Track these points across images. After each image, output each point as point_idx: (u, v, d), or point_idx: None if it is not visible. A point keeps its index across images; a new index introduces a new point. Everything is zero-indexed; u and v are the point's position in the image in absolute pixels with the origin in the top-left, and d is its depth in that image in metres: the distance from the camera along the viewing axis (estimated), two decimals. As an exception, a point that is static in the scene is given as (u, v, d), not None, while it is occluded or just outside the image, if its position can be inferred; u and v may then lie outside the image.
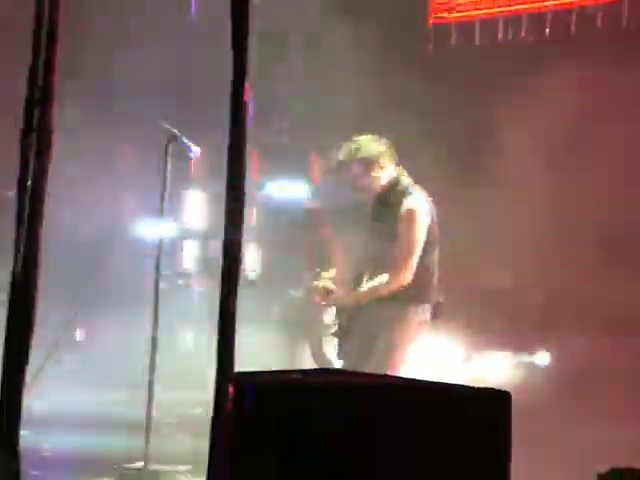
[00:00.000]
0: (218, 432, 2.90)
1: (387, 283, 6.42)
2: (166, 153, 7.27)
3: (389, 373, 6.11)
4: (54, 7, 3.31)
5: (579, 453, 6.75)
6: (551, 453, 6.97)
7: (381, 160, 6.57)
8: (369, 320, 6.49)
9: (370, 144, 6.61)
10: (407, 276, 6.41)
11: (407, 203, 6.46)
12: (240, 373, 2.94)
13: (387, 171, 6.61)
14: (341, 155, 6.65)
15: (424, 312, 6.56)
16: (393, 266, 6.43)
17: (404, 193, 6.53)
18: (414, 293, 6.47)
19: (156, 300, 7.11)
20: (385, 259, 6.48)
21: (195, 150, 7.36)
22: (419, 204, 6.50)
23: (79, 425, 8.51)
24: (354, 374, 4.05)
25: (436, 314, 6.62)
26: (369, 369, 6.06)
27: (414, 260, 6.43)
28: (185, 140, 7.29)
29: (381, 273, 6.46)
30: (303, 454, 2.88)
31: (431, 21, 13.24)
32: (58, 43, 3.32)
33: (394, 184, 6.61)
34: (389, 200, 6.59)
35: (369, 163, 6.57)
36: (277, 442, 2.91)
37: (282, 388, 3.07)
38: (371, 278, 6.51)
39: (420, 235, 6.46)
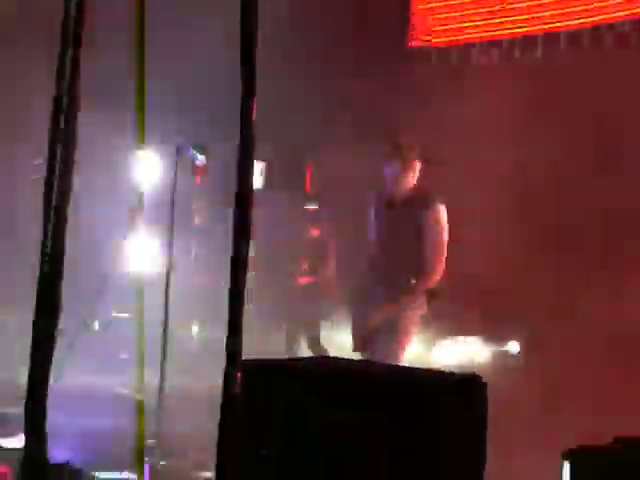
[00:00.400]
0: (227, 414, 3.08)
1: (421, 284, 6.80)
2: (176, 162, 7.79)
3: (400, 355, 6.68)
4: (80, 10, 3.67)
5: (548, 436, 6.95)
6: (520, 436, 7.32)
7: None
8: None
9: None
10: (438, 277, 6.77)
11: (434, 206, 6.79)
12: (247, 360, 3.15)
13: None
14: (411, 153, 6.92)
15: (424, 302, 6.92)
16: (426, 267, 6.76)
17: (428, 198, 6.85)
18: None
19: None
20: (410, 258, 6.78)
21: (201, 158, 7.84)
22: (444, 208, 6.84)
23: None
24: (352, 361, 4.40)
25: (430, 302, 6.93)
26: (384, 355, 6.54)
27: (443, 261, 6.78)
28: (192, 149, 7.80)
29: (407, 272, 6.78)
30: (304, 437, 3.23)
31: (411, 43, 13.92)
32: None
33: (418, 188, 6.94)
34: (414, 202, 6.87)
35: (417, 166, 6.92)
36: (282, 425, 3.27)
37: (287, 374, 3.40)
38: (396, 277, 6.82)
39: (446, 237, 6.79)
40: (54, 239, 3.47)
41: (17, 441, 5.78)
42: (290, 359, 4.19)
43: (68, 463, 3.70)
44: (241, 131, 3.06)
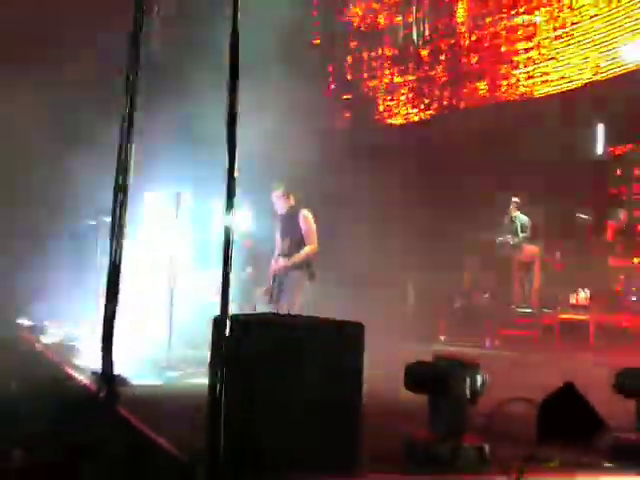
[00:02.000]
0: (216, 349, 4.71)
1: (310, 251, 10.24)
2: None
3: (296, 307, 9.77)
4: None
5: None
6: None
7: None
8: (290, 279, 10.18)
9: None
10: (315, 247, 10.30)
11: (302, 212, 10.34)
12: (235, 314, 4.83)
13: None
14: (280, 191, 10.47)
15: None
16: (307, 241, 10.24)
17: (297, 208, 10.36)
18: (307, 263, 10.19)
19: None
20: (301, 241, 10.21)
21: None
22: (308, 212, 10.45)
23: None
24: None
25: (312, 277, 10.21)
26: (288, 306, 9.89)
27: (315, 239, 10.38)
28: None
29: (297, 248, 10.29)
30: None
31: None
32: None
33: (292, 203, 10.46)
34: (291, 212, 10.34)
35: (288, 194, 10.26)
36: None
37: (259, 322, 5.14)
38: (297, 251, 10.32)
39: (314, 226, 10.47)
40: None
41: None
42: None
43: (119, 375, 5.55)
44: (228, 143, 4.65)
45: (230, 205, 4.72)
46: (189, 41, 16.63)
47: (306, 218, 10.40)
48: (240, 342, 4.87)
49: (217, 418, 4.58)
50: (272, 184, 10.65)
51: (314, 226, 10.41)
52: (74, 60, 14.34)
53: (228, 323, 4.71)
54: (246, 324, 5.05)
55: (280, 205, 10.57)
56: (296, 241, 10.34)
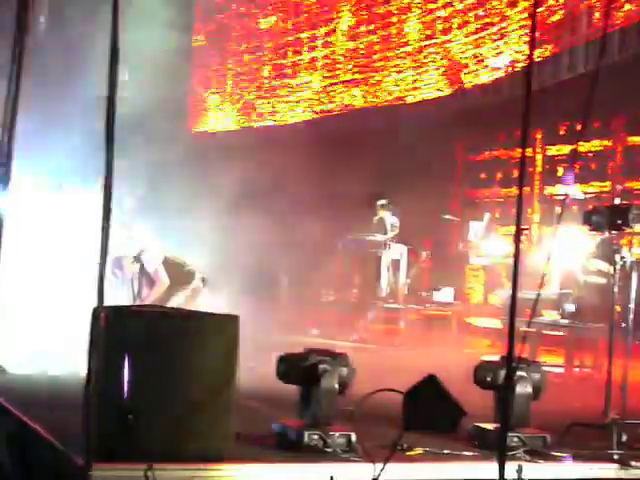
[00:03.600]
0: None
1: None
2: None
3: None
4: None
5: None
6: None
7: None
8: None
9: None
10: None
11: None
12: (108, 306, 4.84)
13: None
14: None
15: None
16: None
17: None
18: None
19: None
20: None
21: None
22: None
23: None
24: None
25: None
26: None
27: None
28: None
29: None
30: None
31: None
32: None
33: None
34: None
35: None
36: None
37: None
38: None
39: None
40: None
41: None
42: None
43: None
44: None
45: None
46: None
47: None
48: (115, 332, 4.91)
49: (91, 405, 4.59)
50: None
51: None
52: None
53: (104, 314, 4.70)
54: (120, 314, 5.13)
55: None
56: None
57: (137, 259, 10.26)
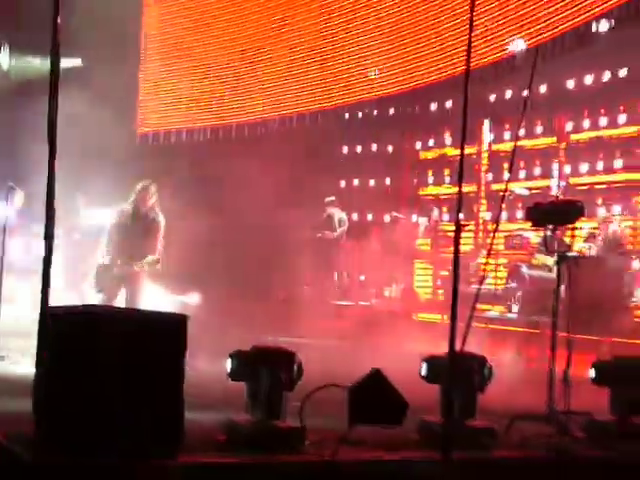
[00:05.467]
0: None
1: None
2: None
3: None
4: None
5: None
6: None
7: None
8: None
9: None
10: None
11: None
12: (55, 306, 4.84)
13: None
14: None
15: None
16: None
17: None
18: None
19: None
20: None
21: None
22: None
23: None
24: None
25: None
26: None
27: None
28: None
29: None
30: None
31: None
32: None
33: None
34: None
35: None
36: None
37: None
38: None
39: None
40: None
41: None
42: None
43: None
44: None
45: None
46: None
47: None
48: (61, 333, 4.91)
49: (39, 403, 4.62)
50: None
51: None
52: None
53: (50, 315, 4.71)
54: (65, 317, 5.08)
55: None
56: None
57: None
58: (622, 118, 15.08)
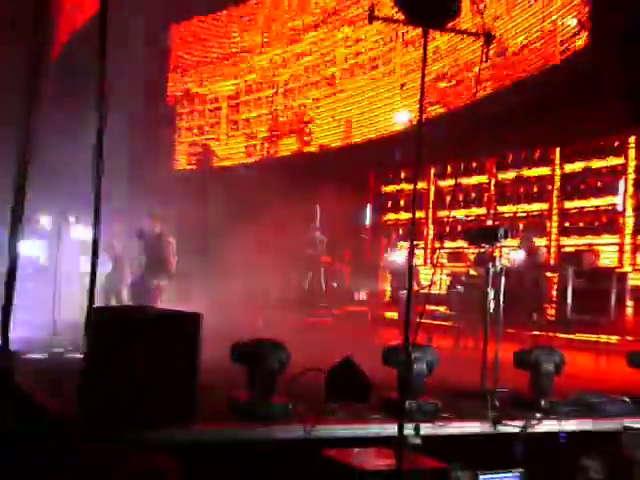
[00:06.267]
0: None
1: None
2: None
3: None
4: None
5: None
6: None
7: None
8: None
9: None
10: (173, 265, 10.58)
11: (167, 237, 10.69)
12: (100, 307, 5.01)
13: None
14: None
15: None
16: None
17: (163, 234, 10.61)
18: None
19: None
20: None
21: None
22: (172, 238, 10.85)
23: None
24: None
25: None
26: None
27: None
28: None
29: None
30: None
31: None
32: None
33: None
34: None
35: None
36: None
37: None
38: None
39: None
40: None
41: None
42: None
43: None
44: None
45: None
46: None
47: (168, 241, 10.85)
48: (103, 327, 4.85)
49: (88, 384, 4.54)
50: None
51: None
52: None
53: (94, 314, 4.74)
54: (106, 314, 5.04)
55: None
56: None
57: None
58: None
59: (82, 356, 4.85)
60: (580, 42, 13.97)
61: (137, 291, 10.64)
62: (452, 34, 13.65)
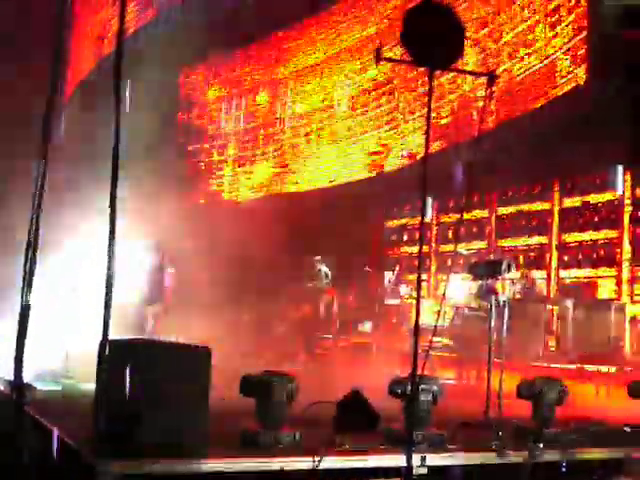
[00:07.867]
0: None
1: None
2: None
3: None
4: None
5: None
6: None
7: None
8: None
9: None
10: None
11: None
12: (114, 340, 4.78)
13: None
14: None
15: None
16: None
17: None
18: None
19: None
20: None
21: None
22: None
23: None
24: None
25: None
26: None
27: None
28: None
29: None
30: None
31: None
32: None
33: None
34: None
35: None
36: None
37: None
38: None
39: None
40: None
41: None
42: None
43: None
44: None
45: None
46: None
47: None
48: (115, 359, 4.75)
49: (100, 413, 4.52)
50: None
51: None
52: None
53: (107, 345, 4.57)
54: (118, 346, 4.96)
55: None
56: None
57: None
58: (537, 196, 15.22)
59: (95, 387, 4.79)
60: (580, 76, 14.01)
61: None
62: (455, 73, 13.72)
